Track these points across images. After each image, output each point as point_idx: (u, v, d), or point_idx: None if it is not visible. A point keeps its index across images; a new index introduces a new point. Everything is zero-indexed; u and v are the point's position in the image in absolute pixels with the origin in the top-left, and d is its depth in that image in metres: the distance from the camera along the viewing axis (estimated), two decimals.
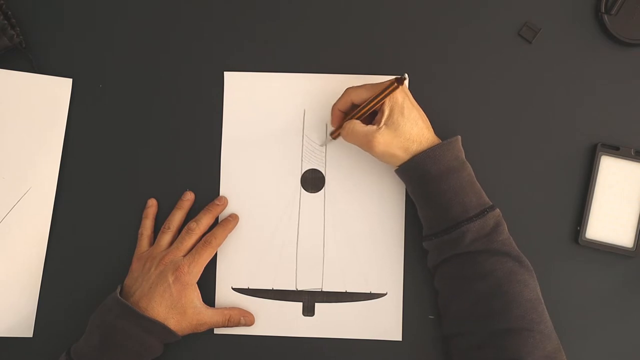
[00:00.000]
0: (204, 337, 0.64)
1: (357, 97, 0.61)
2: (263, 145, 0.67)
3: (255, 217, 0.66)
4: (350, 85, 0.62)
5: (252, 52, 0.68)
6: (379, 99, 0.59)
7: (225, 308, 0.64)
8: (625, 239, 0.64)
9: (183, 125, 0.68)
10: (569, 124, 0.67)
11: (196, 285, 0.61)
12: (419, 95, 0.62)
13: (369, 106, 0.60)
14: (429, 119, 0.61)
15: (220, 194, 0.67)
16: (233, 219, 0.66)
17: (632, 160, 0.65)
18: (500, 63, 0.67)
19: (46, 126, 0.67)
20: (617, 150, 0.65)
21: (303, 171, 0.67)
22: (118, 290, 0.60)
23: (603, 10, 0.66)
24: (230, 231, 0.65)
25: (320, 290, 0.65)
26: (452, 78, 0.67)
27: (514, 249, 0.59)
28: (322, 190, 0.67)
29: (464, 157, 0.61)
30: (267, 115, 0.67)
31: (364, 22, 0.68)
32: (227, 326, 0.63)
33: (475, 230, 0.57)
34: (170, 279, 0.60)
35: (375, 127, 0.60)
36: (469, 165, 0.60)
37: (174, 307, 0.60)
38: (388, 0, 0.68)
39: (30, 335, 0.65)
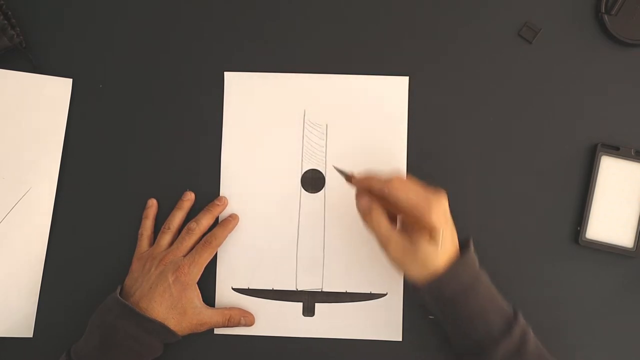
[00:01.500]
0: (204, 337, 0.64)
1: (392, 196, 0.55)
2: (263, 146, 0.67)
3: (255, 217, 0.66)
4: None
5: (252, 52, 0.68)
6: (410, 218, 0.56)
7: (225, 308, 0.64)
8: (625, 239, 0.64)
9: (183, 125, 0.68)
10: (569, 124, 0.67)
11: (196, 286, 0.62)
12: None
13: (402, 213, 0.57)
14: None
15: (220, 194, 0.67)
16: (233, 219, 0.66)
17: (632, 160, 0.65)
18: (500, 63, 0.67)
19: (46, 126, 0.67)
20: (617, 150, 0.65)
21: (303, 171, 0.67)
22: (118, 290, 0.60)
23: (603, 10, 0.66)
24: (230, 231, 0.65)
25: (320, 290, 0.65)
26: (452, 78, 0.67)
27: (545, 355, 0.56)
28: (322, 190, 0.67)
29: (478, 267, 0.57)
30: (267, 115, 0.67)
31: (364, 22, 0.68)
32: (227, 326, 0.63)
33: (503, 351, 0.55)
34: (171, 279, 0.60)
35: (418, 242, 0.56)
36: (484, 274, 0.57)
37: (174, 307, 0.60)
38: (388, 0, 0.68)
39: (30, 335, 0.65)
